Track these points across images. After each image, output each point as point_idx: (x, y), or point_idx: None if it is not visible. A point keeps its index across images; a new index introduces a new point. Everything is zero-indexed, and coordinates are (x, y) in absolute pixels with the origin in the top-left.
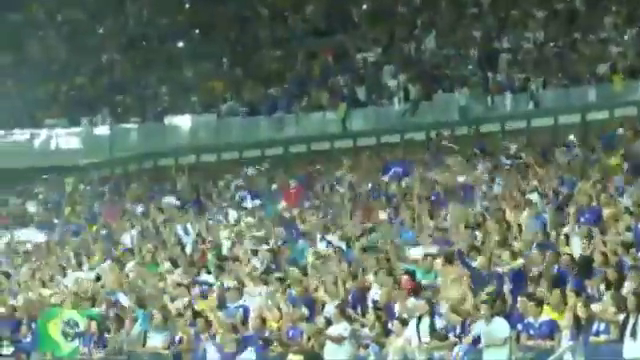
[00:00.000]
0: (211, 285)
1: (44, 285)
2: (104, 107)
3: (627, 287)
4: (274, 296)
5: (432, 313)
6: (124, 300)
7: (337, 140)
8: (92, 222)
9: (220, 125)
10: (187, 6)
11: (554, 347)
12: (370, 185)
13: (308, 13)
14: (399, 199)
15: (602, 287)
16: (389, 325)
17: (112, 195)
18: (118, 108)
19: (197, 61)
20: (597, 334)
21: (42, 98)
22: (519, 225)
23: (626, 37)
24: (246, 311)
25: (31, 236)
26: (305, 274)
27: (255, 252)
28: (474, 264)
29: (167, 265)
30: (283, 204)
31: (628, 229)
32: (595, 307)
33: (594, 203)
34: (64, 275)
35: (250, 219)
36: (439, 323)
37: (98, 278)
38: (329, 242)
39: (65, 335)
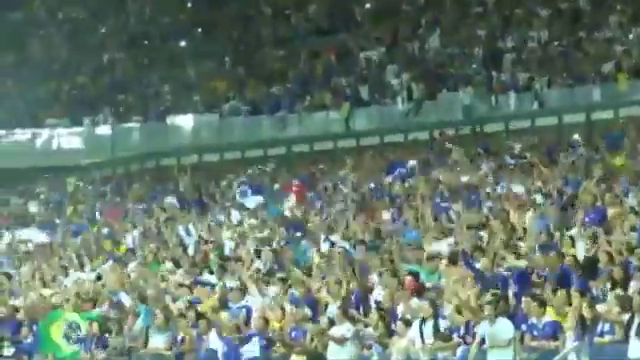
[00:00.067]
0: (213, 286)
1: (45, 285)
2: (106, 106)
3: (633, 287)
4: (277, 297)
5: (436, 315)
6: (126, 300)
7: (340, 140)
8: (94, 222)
9: (222, 125)
10: (189, 5)
11: (558, 348)
12: (373, 185)
13: (311, 12)
14: (403, 199)
15: (606, 288)
16: (392, 326)
17: (114, 195)
18: (120, 107)
19: (199, 60)
20: (602, 334)
21: (43, 98)
22: (523, 224)
23: (631, 36)
24: (249, 311)
25: (32, 236)
26: (308, 275)
27: (258, 253)
28: (478, 265)
29: (169, 265)
30: (289, 202)
31: (633, 229)
32: (600, 307)
33: (599, 203)
34: (66, 275)
35: (253, 220)
36: (443, 324)
37: (99, 278)
38: (333, 242)
39: (67, 337)
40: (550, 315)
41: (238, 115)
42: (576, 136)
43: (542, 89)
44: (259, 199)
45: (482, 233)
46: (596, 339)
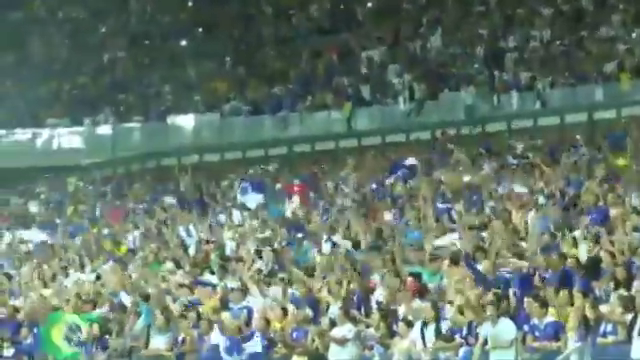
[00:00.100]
0: (214, 286)
1: (45, 286)
2: (106, 106)
3: (636, 287)
4: (279, 298)
5: (438, 319)
6: (126, 300)
7: (342, 139)
8: (94, 222)
9: (223, 124)
10: (190, 4)
11: (560, 348)
12: (375, 185)
13: (312, 11)
14: (404, 199)
15: (609, 288)
16: (394, 326)
17: (114, 195)
18: (120, 107)
19: (200, 60)
20: (604, 335)
21: (44, 97)
22: (525, 225)
23: (634, 35)
24: (250, 312)
25: (33, 236)
26: (309, 275)
27: (259, 253)
28: (480, 266)
29: (170, 265)
30: (293, 204)
31: (636, 229)
32: (602, 308)
33: (601, 203)
34: (66, 276)
35: (255, 221)
36: (445, 325)
37: (98, 278)
38: (334, 243)
39: (68, 340)
40: (552, 316)
41: (239, 115)
42: (578, 136)
43: (544, 89)
44: (259, 197)
45: (484, 234)
46: (599, 339)
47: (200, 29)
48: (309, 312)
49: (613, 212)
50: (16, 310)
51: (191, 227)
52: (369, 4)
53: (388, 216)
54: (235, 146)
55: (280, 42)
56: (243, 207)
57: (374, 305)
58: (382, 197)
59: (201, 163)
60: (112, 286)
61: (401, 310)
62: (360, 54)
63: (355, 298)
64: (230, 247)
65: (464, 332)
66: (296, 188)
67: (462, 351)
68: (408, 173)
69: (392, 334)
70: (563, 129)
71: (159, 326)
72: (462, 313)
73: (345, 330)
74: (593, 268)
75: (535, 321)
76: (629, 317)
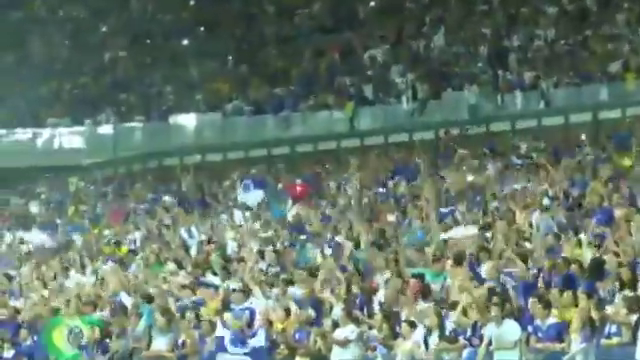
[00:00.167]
0: (216, 287)
1: (46, 287)
2: (108, 106)
3: None
4: (281, 298)
5: (441, 326)
6: (127, 300)
7: (344, 139)
8: (95, 222)
9: (225, 124)
10: (192, 3)
11: (564, 349)
12: (378, 185)
13: (314, 10)
14: (407, 200)
15: (614, 289)
16: (397, 328)
17: (116, 195)
18: (122, 107)
19: (202, 59)
20: (609, 336)
21: (45, 97)
22: (530, 225)
23: (639, 34)
24: (252, 313)
25: (33, 237)
26: (312, 275)
27: (261, 254)
28: (483, 267)
29: (171, 266)
30: (297, 207)
31: None
32: (607, 309)
33: (606, 203)
34: (67, 277)
35: (257, 222)
36: (449, 326)
37: (99, 279)
38: (337, 243)
39: (69, 342)
40: (556, 317)
41: (241, 115)
42: (583, 136)
43: (549, 88)
44: (260, 194)
45: (487, 234)
46: (603, 341)
47: (202, 28)
48: (312, 313)
49: (618, 213)
50: (16, 311)
51: (193, 228)
52: (372, 3)
53: (391, 216)
54: (237, 146)
55: (282, 41)
56: (245, 207)
57: (377, 306)
58: (385, 198)
59: (203, 163)
60: (112, 287)
61: (404, 313)
62: (363, 53)
63: (358, 299)
64: (232, 247)
65: (468, 333)
66: (298, 188)
67: (466, 352)
68: (411, 173)
69: (395, 335)
70: (567, 129)
71: (160, 327)
72: (466, 314)
73: (348, 331)
74: (597, 269)
75: (538, 322)
76: (634, 318)
